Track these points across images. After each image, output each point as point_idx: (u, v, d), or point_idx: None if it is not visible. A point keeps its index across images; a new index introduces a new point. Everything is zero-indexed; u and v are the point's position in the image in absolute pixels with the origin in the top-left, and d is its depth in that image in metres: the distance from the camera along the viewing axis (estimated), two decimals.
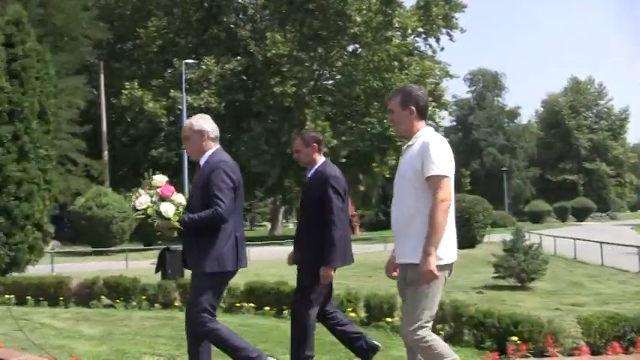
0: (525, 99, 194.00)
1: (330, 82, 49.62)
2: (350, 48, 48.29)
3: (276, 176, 46.69)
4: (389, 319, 9.50)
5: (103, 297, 12.27)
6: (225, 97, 44.09)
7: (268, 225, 69.02)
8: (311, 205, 5.97)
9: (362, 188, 61.22)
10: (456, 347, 8.43)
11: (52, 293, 12.51)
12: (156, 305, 11.72)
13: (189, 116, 39.80)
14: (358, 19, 42.67)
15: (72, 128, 42.19)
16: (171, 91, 43.15)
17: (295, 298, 6.15)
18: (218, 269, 5.11)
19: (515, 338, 7.56)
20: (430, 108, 33.13)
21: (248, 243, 24.10)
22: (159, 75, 47.71)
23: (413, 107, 4.84)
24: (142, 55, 52.18)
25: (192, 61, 44.00)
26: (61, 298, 12.38)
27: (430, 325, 4.71)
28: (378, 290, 10.68)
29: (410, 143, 4.86)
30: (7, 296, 12.44)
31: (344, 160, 44.37)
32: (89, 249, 32.02)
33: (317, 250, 5.77)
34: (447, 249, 4.67)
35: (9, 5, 17.61)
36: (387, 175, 48.06)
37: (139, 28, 49.50)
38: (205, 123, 5.34)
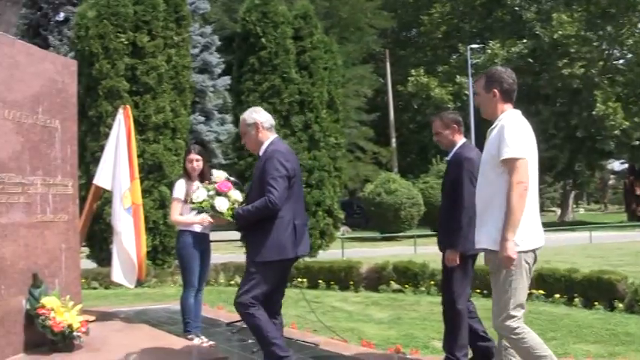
0: None
1: (621, 61, 46.39)
2: None
3: (565, 160, 44.86)
4: None
5: (392, 282, 12.32)
6: None
7: (558, 210, 66.35)
8: (448, 187, 5.81)
9: None
10: None
11: (342, 277, 12.76)
12: None
13: (476, 102, 39.78)
14: None
15: (360, 116, 43.42)
16: (457, 76, 42.84)
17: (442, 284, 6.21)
18: (278, 257, 5.05)
19: None
20: None
21: None
22: (444, 61, 47.67)
23: (496, 90, 4.75)
24: (426, 42, 52.46)
25: (477, 45, 43.40)
26: (351, 283, 12.60)
27: (520, 314, 4.59)
28: None
29: (492, 127, 4.76)
30: (299, 280, 12.88)
31: (637, 143, 41.56)
32: (378, 234, 32.64)
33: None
34: (527, 234, 4.51)
35: (296, 0, 18.28)
36: None
37: (422, 15, 49.79)
38: (258, 115, 5.31)
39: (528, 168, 4.52)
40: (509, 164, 4.46)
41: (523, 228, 4.47)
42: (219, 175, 5.45)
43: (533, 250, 4.57)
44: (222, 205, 5.20)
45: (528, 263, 4.54)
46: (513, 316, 4.54)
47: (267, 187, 4.95)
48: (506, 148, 4.47)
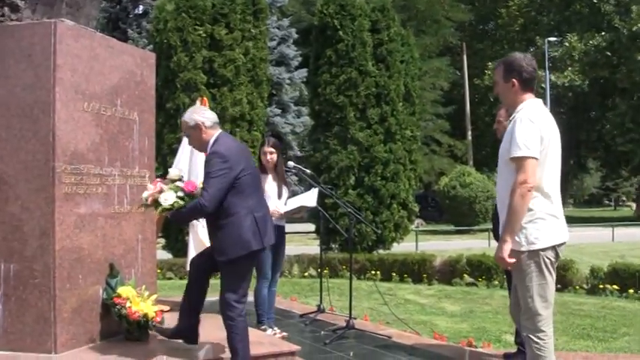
0: None
1: None
2: None
3: None
4: None
5: (465, 275, 12.32)
6: (589, 74, 42.29)
7: (633, 205, 64.87)
8: None
9: None
10: None
11: (415, 270, 12.80)
12: None
13: (552, 95, 38.52)
14: None
15: (436, 109, 43.14)
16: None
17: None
18: (243, 252, 4.94)
19: None
20: None
21: (612, 224, 22.57)
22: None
23: (515, 80, 4.58)
24: (503, 35, 52.10)
25: (554, 38, 42.75)
26: (425, 275, 12.61)
27: (548, 313, 4.44)
28: None
29: (511, 118, 4.62)
30: (373, 272, 12.92)
31: None
32: (452, 227, 32.48)
33: None
34: (546, 231, 4.38)
35: None
36: None
37: (500, 8, 49.47)
38: (198, 115, 5.14)
39: (546, 164, 4.40)
40: (517, 163, 4.33)
41: (543, 224, 4.37)
42: (176, 174, 5.25)
43: (553, 247, 4.43)
44: None
45: (549, 259, 4.40)
46: (540, 314, 4.40)
47: (202, 190, 4.90)
48: (515, 146, 4.33)
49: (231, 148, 5.05)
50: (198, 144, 5.20)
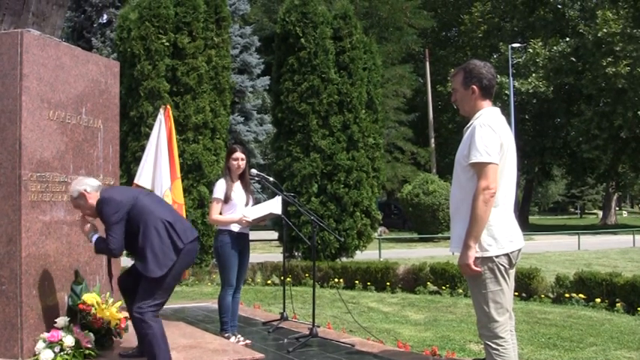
0: None
1: None
2: None
3: (608, 162, 44.11)
4: None
5: (429, 283, 12.33)
6: (554, 80, 42.29)
7: (599, 213, 65.61)
8: None
9: None
10: None
11: (379, 278, 12.79)
12: None
13: (516, 102, 38.67)
14: None
15: (399, 117, 43.23)
16: (498, 76, 42.30)
17: None
18: (168, 266, 5.02)
19: None
20: None
21: (577, 232, 22.51)
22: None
23: (475, 86, 4.59)
24: (466, 41, 52.25)
25: (518, 44, 43.00)
26: (388, 284, 12.62)
27: (504, 319, 4.42)
28: None
29: (468, 125, 4.58)
30: (336, 280, 12.94)
31: None
32: (415, 235, 32.56)
33: None
34: (500, 238, 4.38)
35: (336, 0, 18.14)
36: None
37: (462, 15, 49.64)
38: (79, 185, 5.18)
39: (503, 172, 4.41)
40: (478, 168, 4.32)
41: (496, 231, 4.38)
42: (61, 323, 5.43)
43: (507, 254, 4.42)
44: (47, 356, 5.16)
45: (503, 265, 4.39)
46: (496, 320, 4.39)
47: (107, 233, 5.03)
48: (476, 152, 4.31)
49: (112, 198, 5.11)
50: (89, 211, 5.22)
